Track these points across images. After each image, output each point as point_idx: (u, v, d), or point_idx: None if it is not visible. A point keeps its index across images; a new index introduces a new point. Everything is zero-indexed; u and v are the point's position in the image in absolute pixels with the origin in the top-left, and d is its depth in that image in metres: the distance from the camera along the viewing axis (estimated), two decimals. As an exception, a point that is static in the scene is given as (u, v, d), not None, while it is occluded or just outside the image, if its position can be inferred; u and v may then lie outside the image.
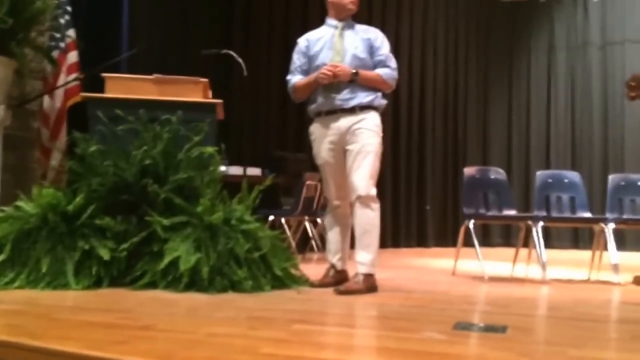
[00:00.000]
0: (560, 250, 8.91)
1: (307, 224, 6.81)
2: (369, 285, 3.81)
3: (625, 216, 5.04)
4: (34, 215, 3.70)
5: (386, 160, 7.97)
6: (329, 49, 4.05)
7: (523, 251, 5.28)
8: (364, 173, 3.85)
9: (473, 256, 4.99)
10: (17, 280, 3.54)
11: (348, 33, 4.09)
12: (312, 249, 6.92)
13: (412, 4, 9.83)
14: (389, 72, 4.04)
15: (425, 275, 5.34)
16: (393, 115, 9.14)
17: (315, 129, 4.11)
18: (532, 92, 10.64)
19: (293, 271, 4.04)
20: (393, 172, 9.28)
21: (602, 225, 4.90)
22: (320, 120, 4.06)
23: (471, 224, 4.88)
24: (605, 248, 4.92)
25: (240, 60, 4.37)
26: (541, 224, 4.89)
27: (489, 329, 2.67)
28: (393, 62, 4.09)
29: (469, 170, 5.36)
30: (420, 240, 9.60)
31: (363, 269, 3.83)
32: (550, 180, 5.37)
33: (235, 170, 6.40)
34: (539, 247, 4.84)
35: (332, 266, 4.14)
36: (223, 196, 4.02)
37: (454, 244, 5.66)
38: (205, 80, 4.33)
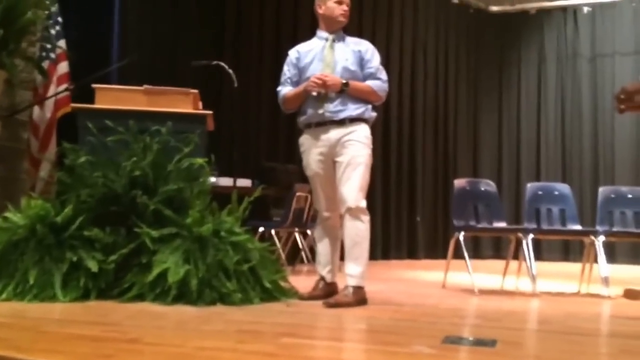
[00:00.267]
0: (550, 263, 8.91)
1: (297, 236, 6.79)
2: (359, 298, 3.79)
3: (615, 229, 5.05)
4: (22, 227, 3.68)
5: (376, 172, 7.98)
6: (320, 61, 4.05)
7: (513, 263, 5.27)
8: (353, 185, 3.84)
9: (463, 268, 4.98)
10: (4, 292, 3.51)
11: (339, 45, 4.10)
12: (302, 261, 6.89)
13: (403, 15, 9.87)
14: (379, 84, 4.04)
15: (415, 287, 5.34)
16: (383, 126, 9.15)
17: (305, 140, 4.10)
18: (522, 103, 10.69)
19: (282, 283, 4.03)
20: (383, 184, 9.28)
21: (593, 237, 4.90)
22: (310, 131, 4.05)
23: (461, 236, 4.87)
24: (596, 261, 4.92)
25: (230, 71, 4.37)
26: (531, 236, 4.89)
27: (479, 342, 2.66)
28: (384, 75, 4.09)
29: (459, 182, 5.36)
30: (411, 252, 9.59)
31: (353, 282, 3.81)
32: (540, 193, 5.37)
33: (225, 181, 6.36)
34: (529, 260, 4.84)
35: (322, 278, 4.12)
36: (213, 207, 4.01)
37: (444, 256, 5.66)
38: (196, 91, 4.32)
